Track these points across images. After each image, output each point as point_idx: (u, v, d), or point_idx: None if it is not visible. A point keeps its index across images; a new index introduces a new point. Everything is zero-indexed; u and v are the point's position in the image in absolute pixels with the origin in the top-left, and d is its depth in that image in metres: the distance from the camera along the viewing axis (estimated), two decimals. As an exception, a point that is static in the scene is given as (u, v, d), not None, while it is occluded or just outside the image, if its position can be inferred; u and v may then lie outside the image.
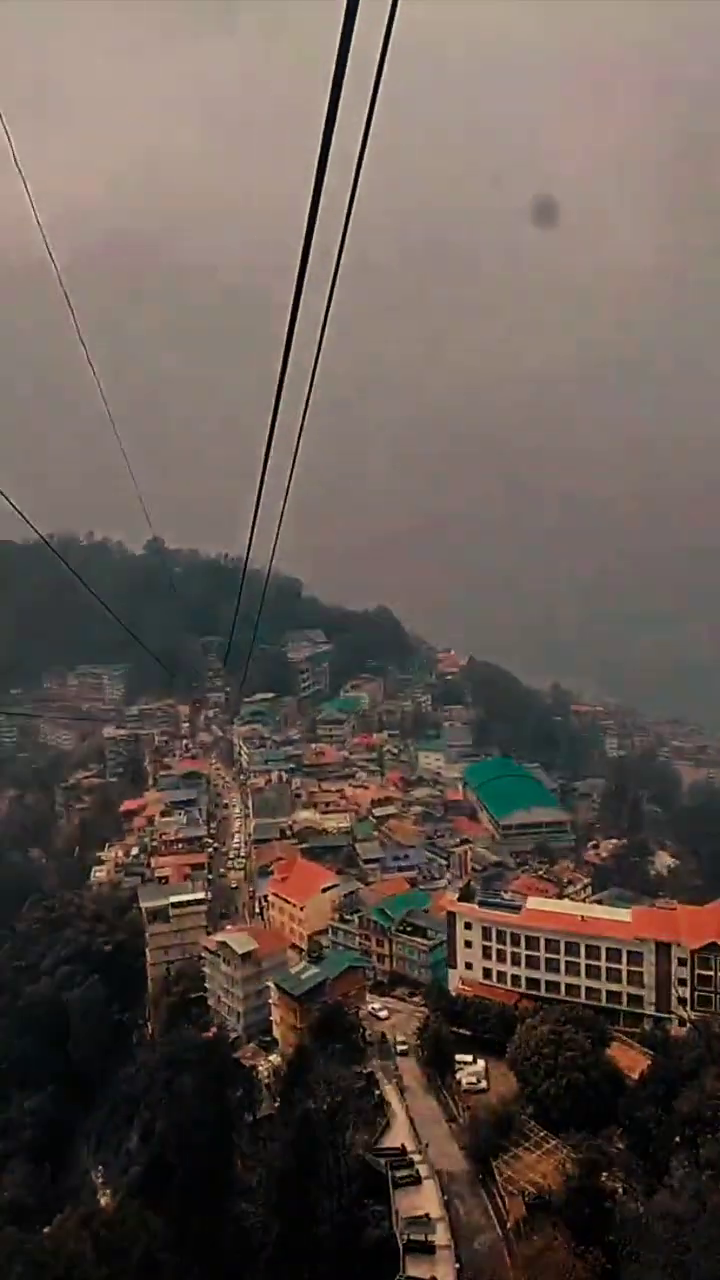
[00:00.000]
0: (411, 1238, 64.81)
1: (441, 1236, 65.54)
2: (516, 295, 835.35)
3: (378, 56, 7.82)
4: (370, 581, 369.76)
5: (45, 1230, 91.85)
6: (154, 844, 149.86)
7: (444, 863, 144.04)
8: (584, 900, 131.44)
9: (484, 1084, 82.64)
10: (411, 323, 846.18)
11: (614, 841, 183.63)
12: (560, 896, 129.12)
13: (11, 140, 18.66)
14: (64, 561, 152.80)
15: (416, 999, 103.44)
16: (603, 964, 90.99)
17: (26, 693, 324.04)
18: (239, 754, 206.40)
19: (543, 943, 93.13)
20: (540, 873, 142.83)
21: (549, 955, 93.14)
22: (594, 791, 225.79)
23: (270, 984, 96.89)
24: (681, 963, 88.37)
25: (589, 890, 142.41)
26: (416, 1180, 72.52)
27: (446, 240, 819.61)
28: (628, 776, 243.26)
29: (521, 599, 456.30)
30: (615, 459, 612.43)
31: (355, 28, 6.87)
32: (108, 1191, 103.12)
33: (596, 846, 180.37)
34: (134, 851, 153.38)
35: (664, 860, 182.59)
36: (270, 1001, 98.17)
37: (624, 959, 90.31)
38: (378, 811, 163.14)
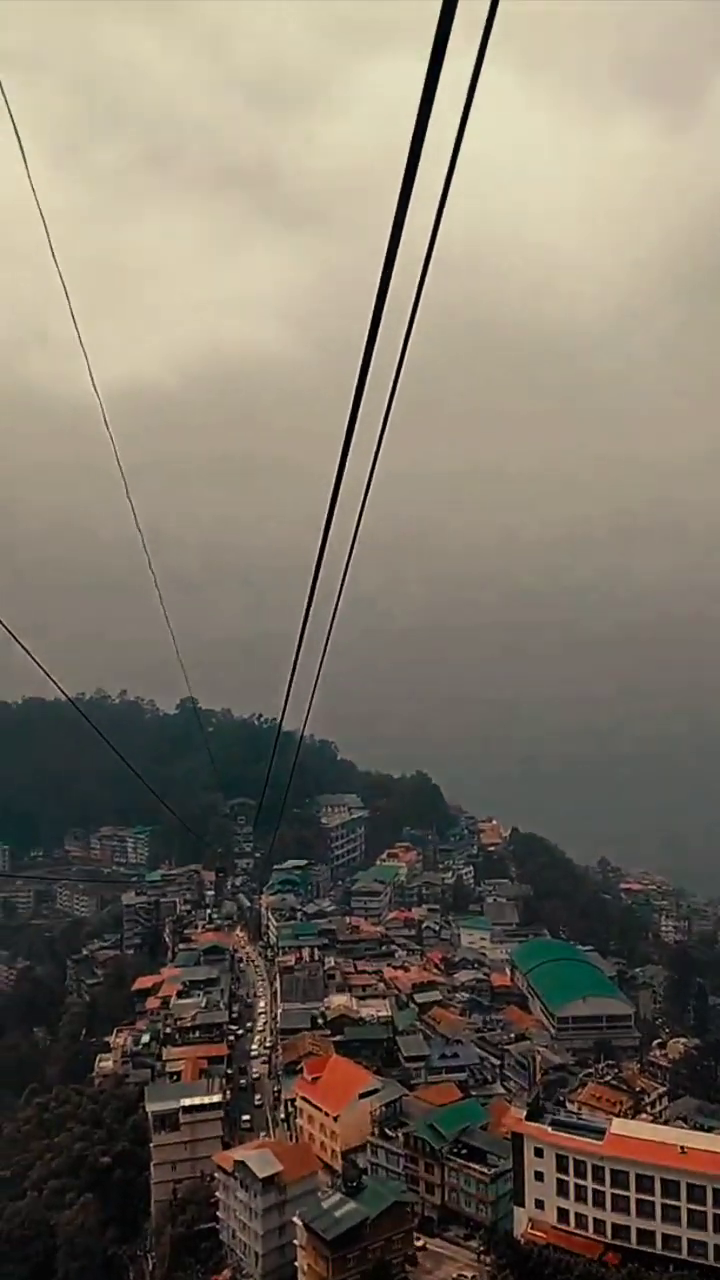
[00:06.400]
0: None
1: None
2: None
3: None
4: (408, 747, 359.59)
5: None
6: (167, 1030, 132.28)
7: (497, 1063, 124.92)
8: (660, 1114, 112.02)
9: None
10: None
11: (683, 1041, 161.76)
12: (635, 1110, 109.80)
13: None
14: (86, 719, 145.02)
15: (474, 1243, 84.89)
16: (709, 1209, 73.37)
17: (46, 855, 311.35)
18: (267, 926, 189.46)
19: (633, 1179, 75.70)
20: (608, 1078, 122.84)
21: (641, 1195, 75.51)
22: (654, 979, 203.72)
23: (297, 1219, 79.25)
24: None
25: (664, 1101, 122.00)
26: None
27: None
28: (689, 964, 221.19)
29: (569, 770, 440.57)
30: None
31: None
32: None
33: (664, 1046, 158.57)
34: (144, 1039, 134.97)
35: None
36: (297, 1242, 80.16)
37: (738, 1204, 72.81)
38: (419, 997, 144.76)
